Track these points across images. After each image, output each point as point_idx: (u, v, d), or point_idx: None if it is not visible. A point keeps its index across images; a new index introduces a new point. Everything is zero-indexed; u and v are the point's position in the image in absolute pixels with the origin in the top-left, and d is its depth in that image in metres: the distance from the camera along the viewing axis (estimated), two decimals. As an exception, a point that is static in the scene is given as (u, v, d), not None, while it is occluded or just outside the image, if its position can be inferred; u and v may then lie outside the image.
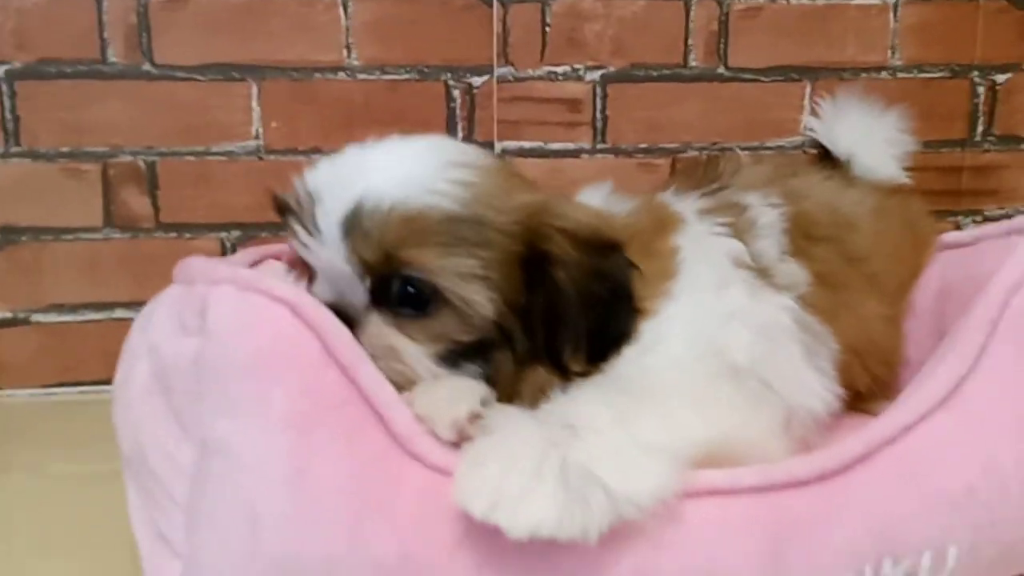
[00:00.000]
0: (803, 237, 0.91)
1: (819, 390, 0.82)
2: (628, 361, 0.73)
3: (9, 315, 1.32)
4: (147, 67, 1.29)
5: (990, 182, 1.48)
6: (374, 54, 1.33)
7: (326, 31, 1.31)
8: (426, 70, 1.34)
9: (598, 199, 0.86)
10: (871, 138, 1.10)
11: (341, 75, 1.32)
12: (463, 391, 0.68)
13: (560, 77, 1.37)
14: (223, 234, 1.34)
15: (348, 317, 0.69)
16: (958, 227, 1.45)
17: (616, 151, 1.39)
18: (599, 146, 1.39)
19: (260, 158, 1.32)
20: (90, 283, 1.32)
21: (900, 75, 1.43)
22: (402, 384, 0.69)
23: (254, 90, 1.31)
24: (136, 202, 1.32)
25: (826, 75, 1.41)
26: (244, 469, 0.62)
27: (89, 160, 1.30)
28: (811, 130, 1.14)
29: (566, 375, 0.72)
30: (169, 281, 0.74)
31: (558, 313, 0.71)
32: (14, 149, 1.28)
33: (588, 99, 1.38)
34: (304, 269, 0.77)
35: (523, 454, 0.59)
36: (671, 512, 0.61)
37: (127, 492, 0.72)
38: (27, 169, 1.29)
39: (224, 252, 1.33)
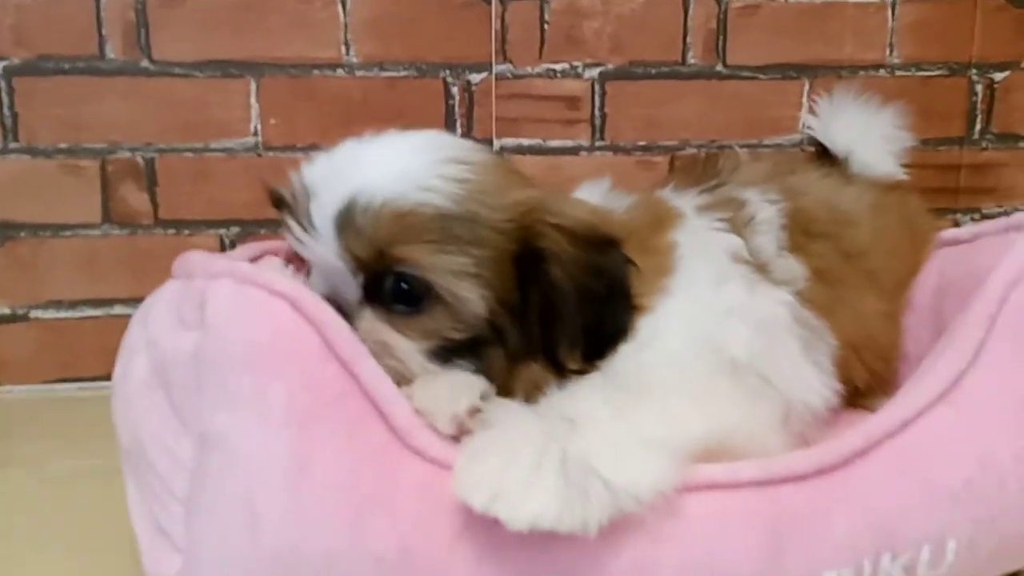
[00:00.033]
0: (801, 233, 0.91)
1: (817, 385, 0.83)
2: (625, 357, 0.73)
3: (8, 311, 1.31)
4: (145, 64, 1.29)
5: (988, 180, 1.48)
6: (372, 51, 1.33)
7: (324, 28, 1.31)
8: (424, 67, 1.34)
9: (597, 195, 0.86)
10: (869, 135, 1.10)
11: (339, 72, 1.32)
12: (462, 385, 0.68)
13: (559, 74, 1.37)
14: (222, 231, 1.34)
15: (341, 312, 0.69)
16: (956, 225, 1.45)
17: (615, 148, 1.39)
18: (598, 143, 1.39)
19: (259, 155, 1.32)
20: (89, 279, 1.32)
21: (898, 73, 1.43)
22: (394, 380, 0.69)
23: (253, 87, 1.31)
24: (135, 199, 1.31)
25: (824, 73, 1.41)
26: (244, 463, 0.62)
27: (88, 156, 1.29)
28: (809, 128, 1.14)
29: (562, 373, 0.72)
30: (168, 278, 0.74)
31: (554, 310, 0.71)
32: (13, 145, 1.28)
33: (587, 96, 1.38)
34: (302, 264, 0.77)
35: (523, 447, 0.60)
36: (670, 506, 0.61)
37: (126, 487, 0.72)
38: (26, 165, 1.28)
39: (223, 248, 1.33)
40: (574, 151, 1.39)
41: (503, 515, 0.57)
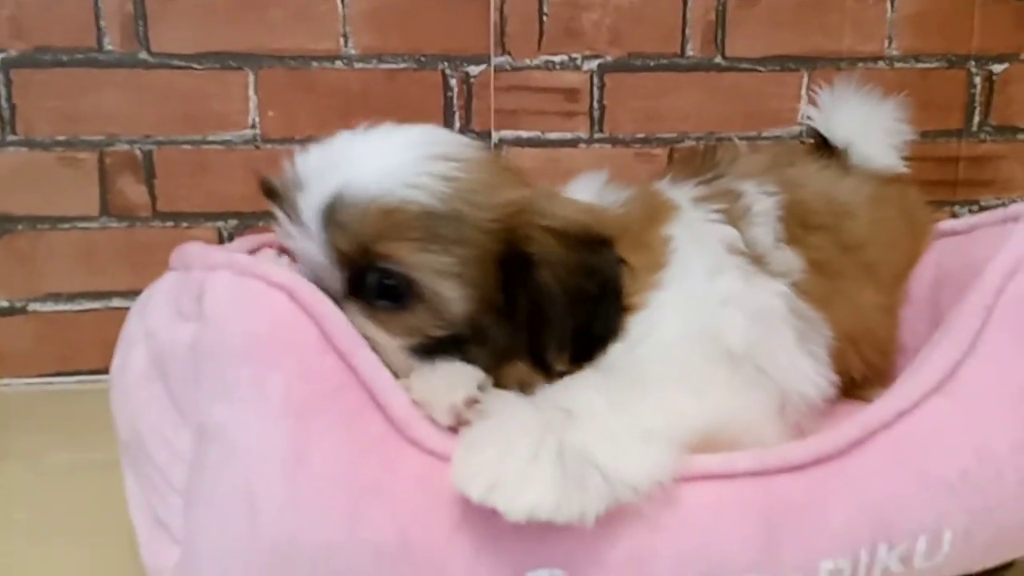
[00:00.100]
0: (799, 225, 0.91)
1: (813, 376, 0.83)
2: (619, 354, 0.73)
3: (6, 304, 1.31)
4: (144, 55, 1.28)
5: (986, 172, 1.48)
6: (371, 43, 1.32)
7: (323, 20, 1.31)
8: (423, 59, 1.34)
9: (592, 189, 0.86)
10: (869, 127, 1.09)
11: (338, 64, 1.32)
12: (460, 377, 0.68)
13: (557, 66, 1.37)
14: (220, 223, 1.34)
15: None
16: (954, 217, 1.45)
17: (613, 141, 1.39)
18: (596, 136, 1.39)
19: (257, 147, 1.32)
20: (87, 272, 1.32)
21: (897, 65, 1.43)
22: None
23: (251, 79, 1.31)
24: (133, 191, 1.31)
25: (823, 65, 1.41)
26: (242, 455, 0.62)
27: (86, 149, 1.29)
28: (810, 119, 1.14)
29: (549, 374, 0.72)
30: (166, 270, 0.74)
31: (542, 314, 0.71)
32: (10, 138, 1.28)
33: (585, 88, 1.38)
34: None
35: (520, 438, 0.60)
36: (667, 496, 0.61)
37: (124, 479, 0.72)
38: (23, 158, 1.28)
39: (221, 241, 1.33)
40: (573, 143, 1.39)
41: (501, 505, 0.57)
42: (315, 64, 1.32)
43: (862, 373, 0.94)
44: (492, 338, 0.72)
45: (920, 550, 0.66)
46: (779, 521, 0.63)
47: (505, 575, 0.60)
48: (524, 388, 0.71)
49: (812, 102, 1.17)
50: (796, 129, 1.41)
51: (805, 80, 1.41)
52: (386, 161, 0.71)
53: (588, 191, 0.85)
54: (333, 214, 0.70)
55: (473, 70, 1.35)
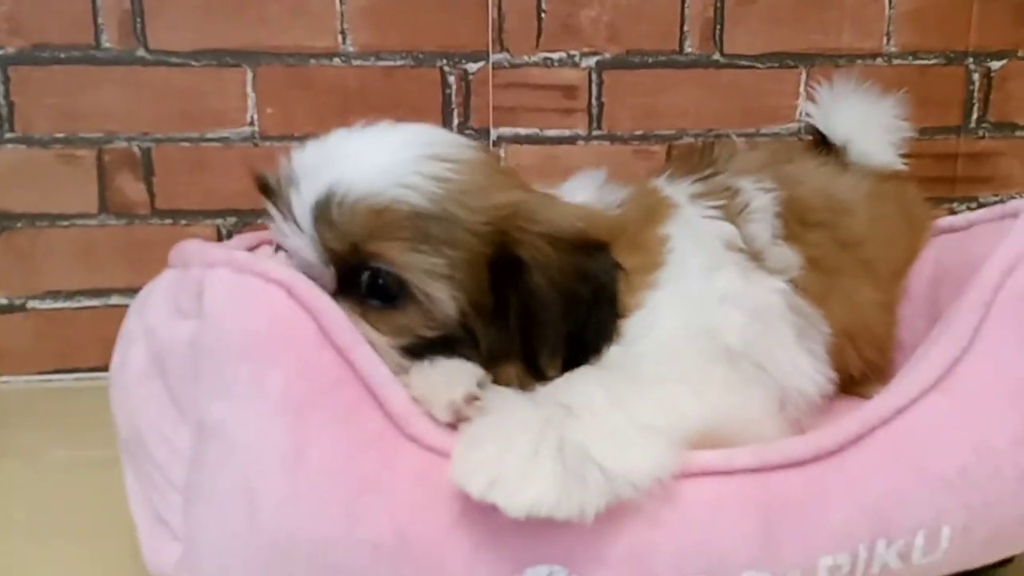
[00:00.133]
0: (797, 222, 0.91)
1: (811, 372, 0.83)
2: (616, 354, 0.73)
3: (5, 302, 1.32)
4: (141, 53, 1.28)
5: (985, 169, 1.49)
6: (369, 40, 1.32)
7: (321, 17, 1.31)
8: (421, 56, 1.34)
9: (591, 188, 0.86)
10: (868, 124, 1.10)
11: (336, 61, 1.32)
12: (459, 373, 0.68)
13: (556, 63, 1.37)
14: (219, 220, 1.34)
15: None
16: (953, 214, 1.45)
17: (612, 138, 1.40)
18: (595, 133, 1.39)
19: (255, 144, 1.32)
20: (86, 269, 1.32)
21: (895, 62, 1.43)
22: None
23: (249, 76, 1.31)
24: (131, 188, 1.31)
25: (822, 62, 1.41)
26: (241, 451, 0.62)
27: (84, 146, 1.29)
28: (809, 116, 1.14)
29: (542, 377, 0.71)
30: (165, 267, 0.74)
31: (534, 317, 0.71)
32: (9, 135, 1.28)
33: (584, 85, 1.38)
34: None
35: (520, 434, 0.60)
36: (666, 492, 0.61)
37: (124, 476, 0.72)
38: (22, 155, 1.28)
39: (220, 238, 1.33)
40: (571, 140, 1.39)
41: (501, 501, 0.57)
42: (313, 61, 1.32)
43: (860, 370, 0.94)
44: (483, 340, 0.72)
45: (918, 546, 0.66)
46: (778, 517, 0.63)
47: (505, 571, 0.60)
48: (521, 387, 0.71)
49: (810, 99, 1.17)
50: (794, 126, 1.41)
51: (803, 77, 1.41)
52: (379, 160, 0.71)
53: (586, 190, 0.85)
54: (324, 212, 0.69)
55: (471, 67, 1.35)
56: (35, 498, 0.98)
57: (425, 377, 0.68)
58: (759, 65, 1.40)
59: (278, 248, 0.78)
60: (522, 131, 1.38)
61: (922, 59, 1.43)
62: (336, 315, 0.65)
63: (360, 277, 0.70)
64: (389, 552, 0.61)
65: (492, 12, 1.34)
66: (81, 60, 1.27)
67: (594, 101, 1.38)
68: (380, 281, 0.70)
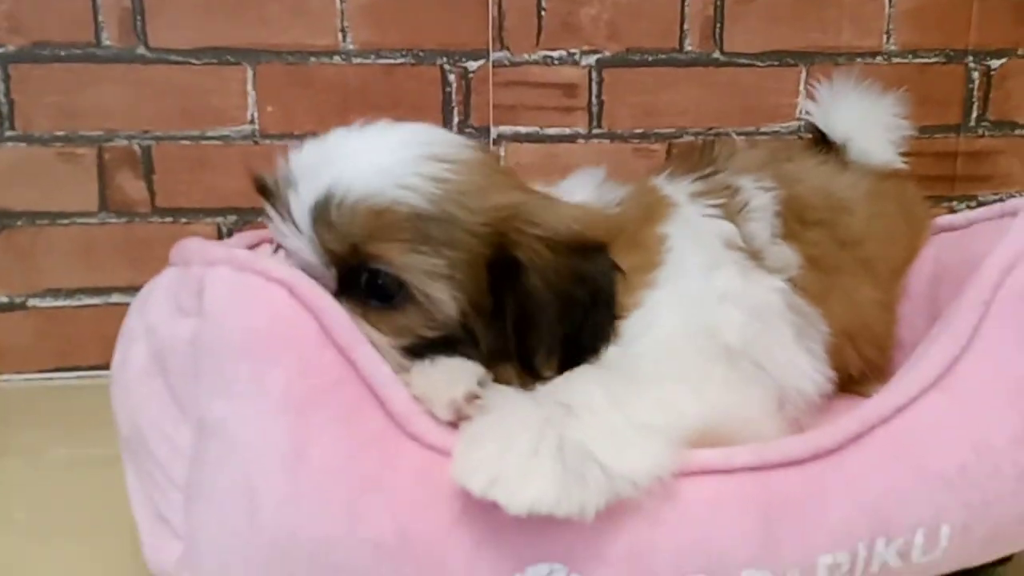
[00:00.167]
0: (796, 221, 0.91)
1: (810, 372, 0.83)
2: (615, 353, 0.73)
3: (6, 300, 1.32)
4: (142, 51, 1.28)
5: (984, 167, 1.49)
6: (369, 38, 1.32)
7: (321, 15, 1.31)
8: (421, 54, 1.34)
9: (590, 187, 0.86)
10: (867, 123, 1.09)
11: (336, 59, 1.32)
12: (460, 372, 0.68)
13: (556, 62, 1.37)
14: (219, 219, 1.34)
15: None
16: (952, 212, 1.45)
17: (612, 136, 1.40)
18: (595, 131, 1.39)
19: (256, 142, 1.32)
20: (86, 268, 1.32)
21: (895, 60, 1.43)
22: None
23: (249, 74, 1.31)
24: (132, 187, 1.32)
25: (821, 60, 1.41)
26: (242, 450, 0.62)
27: (84, 144, 1.29)
28: (808, 114, 1.14)
29: (538, 379, 0.71)
30: (165, 266, 0.74)
31: (530, 319, 0.70)
32: (9, 133, 1.28)
33: (584, 84, 1.38)
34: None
35: (521, 433, 0.60)
36: (666, 490, 0.62)
37: (126, 474, 0.72)
38: (22, 153, 1.28)
39: (220, 237, 1.33)
40: (571, 139, 1.39)
41: (502, 499, 0.57)
42: (313, 59, 1.32)
43: (860, 369, 0.94)
44: (483, 340, 0.72)
45: (918, 544, 0.66)
46: (777, 516, 0.63)
47: (505, 569, 0.60)
48: (521, 386, 0.71)
49: (810, 97, 1.17)
50: (794, 124, 1.42)
51: (803, 75, 1.41)
52: (378, 160, 0.71)
53: (585, 188, 0.85)
54: (323, 213, 0.69)
55: (471, 65, 1.35)
56: (35, 496, 0.98)
57: (426, 376, 0.68)
58: (759, 63, 1.40)
59: (278, 248, 0.78)
60: (522, 129, 1.38)
61: (922, 57, 1.43)
62: (337, 314, 0.65)
63: (359, 278, 0.70)
64: (390, 551, 0.61)
65: (492, 10, 1.34)
66: (81, 58, 1.27)
67: (594, 99, 1.38)
68: (380, 282, 0.70)
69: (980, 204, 1.49)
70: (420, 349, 0.71)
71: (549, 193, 0.80)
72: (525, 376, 0.72)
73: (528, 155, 1.37)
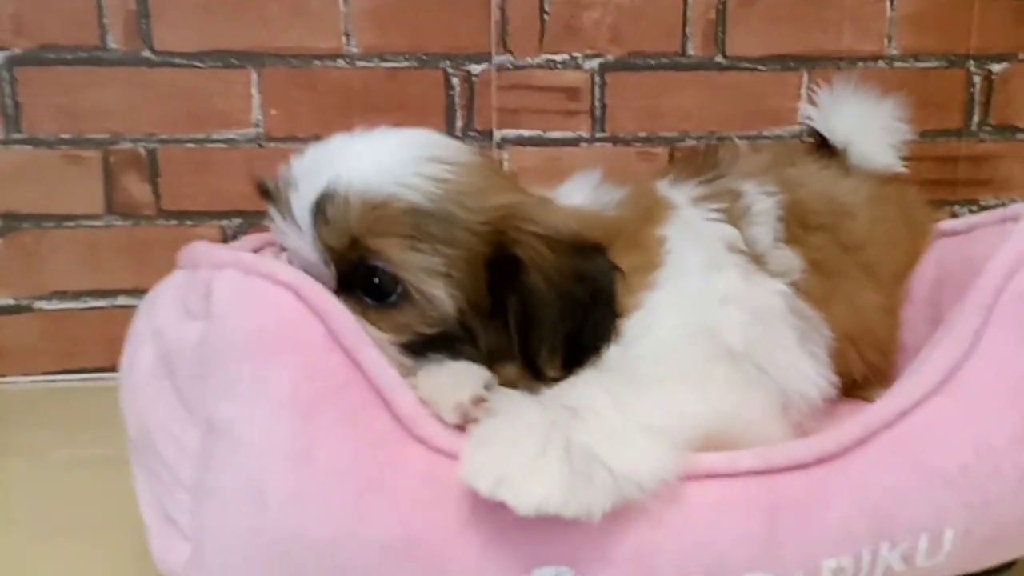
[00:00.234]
0: (799, 225, 0.91)
1: (813, 375, 0.83)
2: (616, 355, 0.73)
3: (11, 302, 1.32)
4: (147, 53, 1.29)
5: (985, 172, 1.49)
6: (373, 41, 1.33)
7: (324, 18, 1.31)
8: (425, 58, 1.34)
9: (587, 188, 0.86)
10: (868, 127, 1.10)
11: (340, 62, 1.33)
12: (467, 375, 0.69)
13: (559, 65, 1.37)
14: (224, 222, 1.34)
15: None
16: (954, 216, 1.45)
17: (615, 140, 1.40)
18: (598, 135, 1.39)
19: (260, 145, 1.33)
20: (91, 270, 1.32)
21: (896, 64, 1.43)
22: None
23: (253, 77, 1.31)
24: (137, 189, 1.32)
25: (823, 64, 1.41)
26: (249, 451, 0.62)
27: (90, 147, 1.30)
28: (809, 118, 1.14)
29: (541, 378, 0.72)
30: (171, 268, 0.75)
31: (532, 318, 0.71)
32: (15, 135, 1.28)
33: (587, 87, 1.38)
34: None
35: (527, 435, 0.61)
36: (671, 493, 0.62)
37: (134, 476, 0.72)
38: (28, 156, 1.29)
39: (225, 239, 1.33)
40: (574, 142, 1.39)
41: (509, 499, 0.57)
42: (317, 62, 1.32)
43: (863, 373, 0.94)
44: (480, 339, 0.72)
45: (922, 548, 0.67)
46: (782, 519, 0.64)
47: (512, 572, 0.61)
48: (524, 387, 0.71)
49: (812, 101, 1.17)
50: (796, 128, 1.42)
51: (805, 79, 1.41)
52: (377, 160, 0.71)
53: (582, 191, 0.85)
54: (322, 209, 0.70)
55: (475, 69, 1.35)
56: (38, 497, 0.98)
57: (432, 379, 0.68)
58: (761, 67, 1.40)
59: (281, 251, 0.78)
60: (525, 133, 1.38)
61: (923, 61, 1.44)
62: (344, 317, 0.66)
63: (358, 275, 0.71)
64: (396, 552, 0.61)
65: (495, 14, 1.34)
66: (86, 61, 1.28)
67: (597, 103, 1.39)
68: (377, 280, 0.70)
69: (981, 208, 1.49)
70: (419, 347, 0.71)
71: (547, 196, 0.81)
72: (528, 376, 0.72)
73: (531, 159, 1.38)
